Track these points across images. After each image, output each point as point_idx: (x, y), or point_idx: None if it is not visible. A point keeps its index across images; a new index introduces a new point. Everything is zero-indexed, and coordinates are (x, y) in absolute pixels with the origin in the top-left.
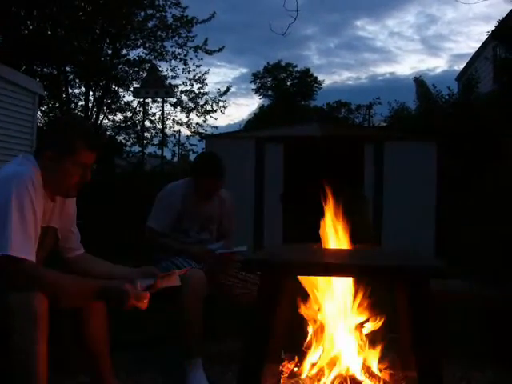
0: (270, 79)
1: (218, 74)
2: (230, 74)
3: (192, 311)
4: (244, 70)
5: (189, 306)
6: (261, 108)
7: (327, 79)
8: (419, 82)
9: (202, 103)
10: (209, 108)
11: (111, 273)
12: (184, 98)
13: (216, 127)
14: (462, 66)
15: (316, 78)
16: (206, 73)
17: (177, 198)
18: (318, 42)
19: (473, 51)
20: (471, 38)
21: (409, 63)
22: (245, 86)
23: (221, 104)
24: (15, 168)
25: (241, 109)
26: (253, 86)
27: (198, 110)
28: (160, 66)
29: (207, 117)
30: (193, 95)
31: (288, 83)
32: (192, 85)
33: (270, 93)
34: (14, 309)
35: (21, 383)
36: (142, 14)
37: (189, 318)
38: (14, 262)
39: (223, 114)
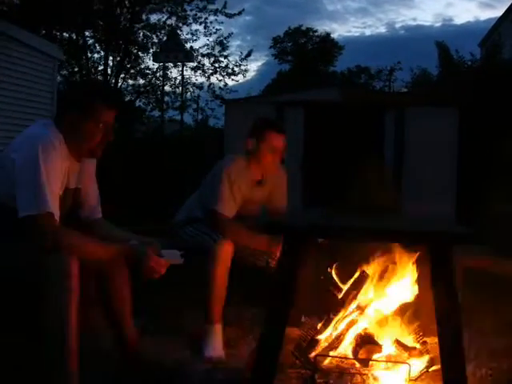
0: (289, 44)
1: (219, 23)
2: (231, 21)
3: (217, 278)
4: (248, 18)
5: (214, 273)
6: (279, 73)
7: (341, 30)
8: (442, 46)
9: (223, 66)
10: (229, 71)
11: (127, 239)
12: (205, 61)
13: (236, 91)
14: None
15: (337, 43)
16: (228, 36)
17: (245, 182)
18: None
19: None
20: None
21: (433, 8)
22: (250, 38)
23: (242, 67)
24: (39, 130)
25: (248, 64)
26: (272, 52)
27: (219, 73)
28: (181, 30)
29: (228, 80)
30: (214, 59)
31: (309, 47)
32: (213, 47)
33: (289, 58)
34: (47, 270)
35: (52, 343)
36: None
37: (213, 284)
38: (44, 222)
39: (245, 77)
